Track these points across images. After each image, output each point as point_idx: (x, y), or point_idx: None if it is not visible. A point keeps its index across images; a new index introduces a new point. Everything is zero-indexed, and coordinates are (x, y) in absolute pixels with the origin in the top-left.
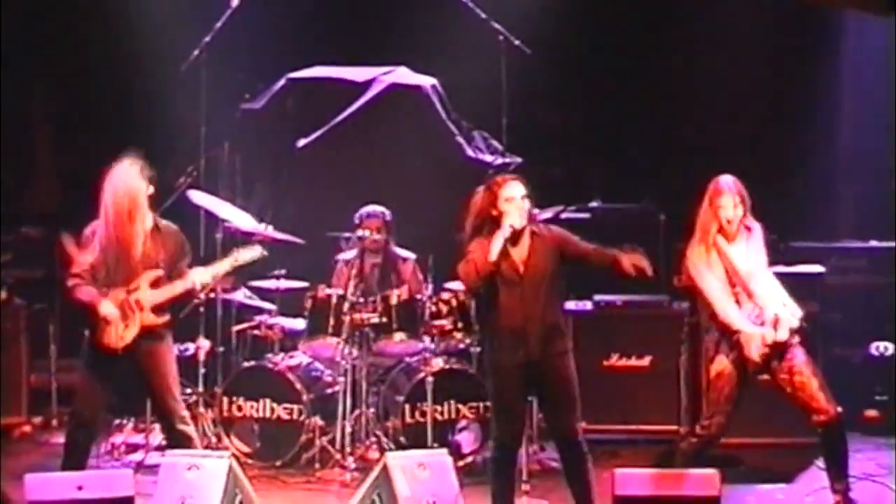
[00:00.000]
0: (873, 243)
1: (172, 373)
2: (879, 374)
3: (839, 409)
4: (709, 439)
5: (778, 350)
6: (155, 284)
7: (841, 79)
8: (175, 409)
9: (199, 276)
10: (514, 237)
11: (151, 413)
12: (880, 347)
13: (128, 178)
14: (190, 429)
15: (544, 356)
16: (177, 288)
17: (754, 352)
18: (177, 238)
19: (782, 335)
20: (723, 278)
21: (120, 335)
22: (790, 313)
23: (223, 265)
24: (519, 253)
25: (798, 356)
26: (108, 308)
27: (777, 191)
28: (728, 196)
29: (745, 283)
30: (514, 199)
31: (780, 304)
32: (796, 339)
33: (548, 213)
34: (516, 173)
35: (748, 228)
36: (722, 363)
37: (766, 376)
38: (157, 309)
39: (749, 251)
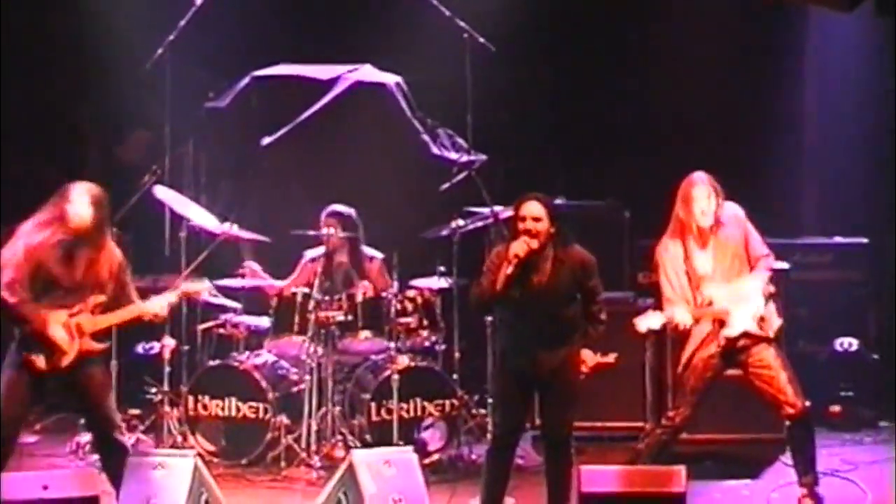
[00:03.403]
0: (837, 239)
1: (109, 391)
2: (844, 370)
3: (807, 404)
4: (674, 430)
5: (733, 346)
6: (98, 310)
7: (805, 75)
8: (112, 418)
9: (149, 308)
10: (533, 259)
11: (85, 424)
12: (845, 343)
13: (78, 208)
14: (125, 438)
15: (551, 372)
16: (121, 316)
17: (695, 345)
18: (121, 264)
19: (730, 332)
20: (683, 276)
21: (57, 359)
22: (750, 314)
23: (169, 297)
24: (538, 277)
25: (768, 351)
26: (58, 332)
27: (741, 187)
28: (701, 187)
29: (701, 285)
30: (526, 220)
31: (739, 306)
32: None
33: (508, 212)
34: (481, 170)
35: (719, 224)
36: (688, 356)
37: (735, 371)
38: (98, 335)
39: (717, 252)
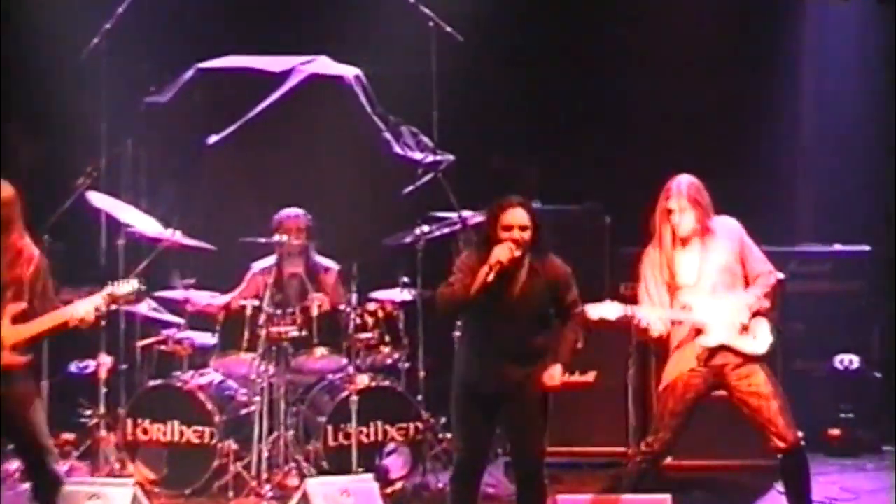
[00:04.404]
0: (837, 247)
1: (37, 412)
2: (844, 390)
3: (799, 435)
4: (654, 458)
5: (718, 367)
6: (18, 319)
7: (802, 68)
8: (44, 443)
9: (75, 312)
10: (508, 268)
11: (13, 449)
12: (845, 361)
13: None
14: (59, 466)
15: (517, 387)
16: (43, 324)
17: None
18: (39, 266)
19: (706, 341)
20: (662, 285)
21: None
22: (731, 326)
23: (95, 300)
24: (510, 287)
25: (757, 374)
26: None
27: (732, 191)
28: (674, 200)
29: (681, 294)
30: (513, 229)
31: (720, 317)
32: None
33: (477, 218)
34: (447, 172)
35: (707, 231)
36: (669, 375)
37: (721, 392)
38: (19, 347)
39: (704, 264)
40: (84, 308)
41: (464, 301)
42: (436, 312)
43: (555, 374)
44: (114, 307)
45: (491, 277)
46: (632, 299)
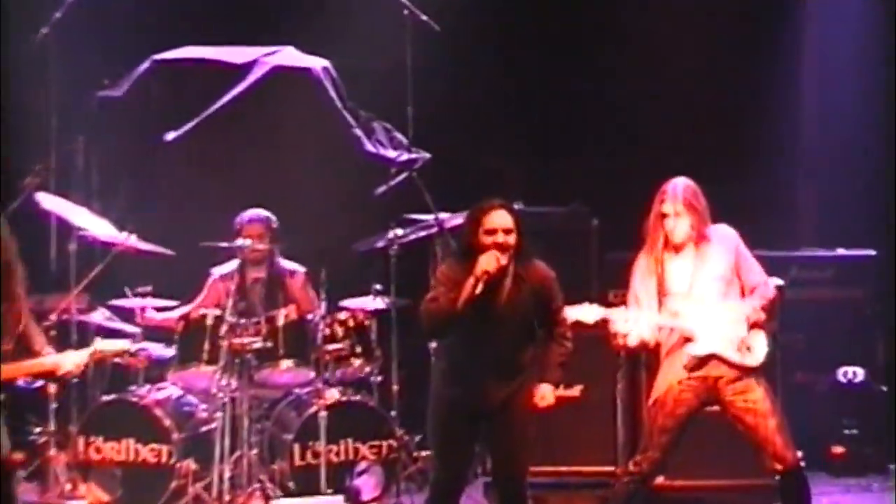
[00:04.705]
0: (840, 251)
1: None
2: (848, 404)
3: (798, 455)
4: (643, 478)
5: (711, 380)
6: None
7: (802, 68)
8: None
9: (63, 365)
10: (495, 277)
11: None
12: (849, 373)
13: None
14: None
15: (501, 403)
16: (30, 369)
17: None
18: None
19: (695, 350)
20: (652, 292)
21: None
22: (723, 336)
23: (83, 355)
24: (495, 297)
25: (754, 390)
26: None
27: (729, 192)
28: (669, 203)
29: (671, 301)
30: (496, 233)
31: (711, 325)
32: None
33: (455, 220)
34: (423, 171)
35: (702, 238)
36: (658, 388)
37: (714, 407)
38: None
39: (697, 272)
40: (73, 361)
41: (452, 317)
42: (421, 330)
43: (546, 394)
44: (64, 316)
45: (479, 290)
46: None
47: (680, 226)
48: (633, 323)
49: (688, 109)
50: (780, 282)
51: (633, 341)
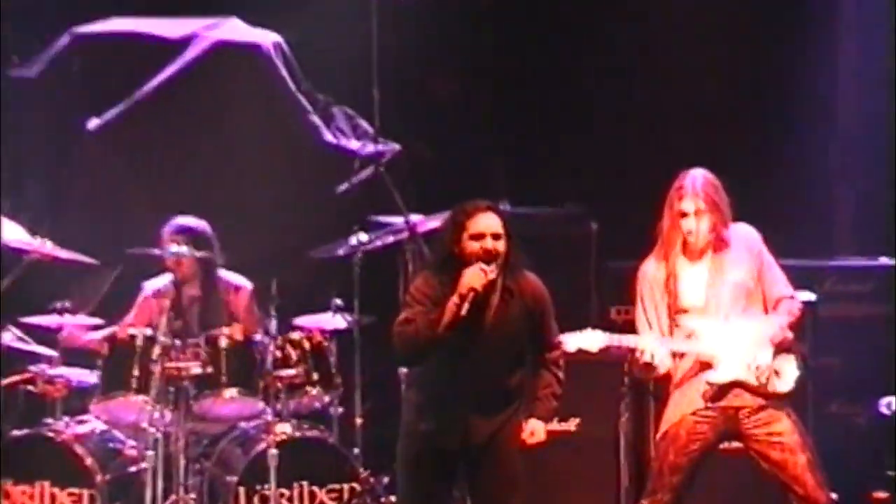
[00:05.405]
0: (883, 260)
1: None
2: (891, 441)
3: (832, 498)
4: None
5: (732, 410)
6: None
7: (838, 46)
8: None
9: None
10: (481, 295)
11: None
12: (892, 404)
13: None
14: None
15: (485, 440)
16: None
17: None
18: None
19: (715, 377)
20: (663, 307)
21: None
22: (747, 360)
23: None
24: (479, 316)
25: (782, 421)
26: None
27: (752, 193)
28: (689, 200)
29: (685, 319)
30: (484, 238)
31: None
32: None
33: (436, 222)
34: (392, 165)
35: (721, 242)
36: (669, 420)
37: (735, 444)
38: None
39: (715, 281)
40: None
41: (432, 342)
42: (391, 354)
43: (537, 430)
44: None
45: (465, 310)
46: (625, 327)
47: (702, 227)
48: (650, 350)
49: (703, 96)
50: (812, 296)
51: (662, 370)
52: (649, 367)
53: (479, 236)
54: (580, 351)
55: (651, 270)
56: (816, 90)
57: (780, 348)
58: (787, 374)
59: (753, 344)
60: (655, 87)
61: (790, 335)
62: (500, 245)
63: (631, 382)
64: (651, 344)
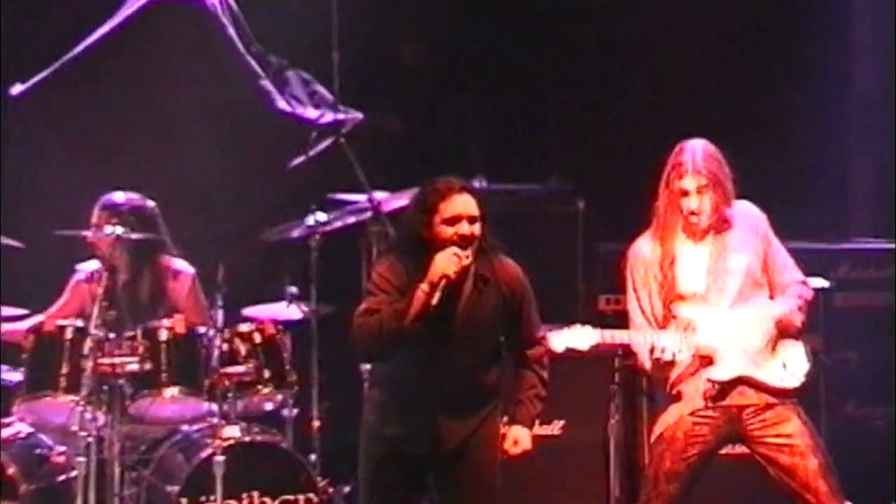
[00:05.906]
0: None
1: None
2: None
3: None
4: None
5: (735, 409)
6: None
7: (853, 14)
8: None
9: None
10: (455, 283)
11: None
12: None
13: None
14: None
15: (457, 446)
16: None
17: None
18: None
19: (717, 374)
20: (657, 294)
21: None
22: (752, 354)
23: None
24: (450, 306)
25: (790, 421)
26: None
27: (758, 168)
28: (690, 177)
29: (682, 308)
30: (460, 222)
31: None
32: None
33: (403, 200)
34: (354, 136)
35: (723, 222)
36: (665, 421)
37: (739, 447)
38: None
39: (716, 265)
40: None
41: (397, 335)
42: (352, 349)
43: (521, 439)
44: None
45: (436, 299)
46: (616, 317)
47: (705, 206)
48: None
49: (704, 63)
50: (825, 283)
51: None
52: (671, 365)
53: (453, 220)
54: (568, 350)
55: (644, 250)
56: (829, 61)
57: (787, 334)
58: (796, 367)
59: (759, 332)
60: (653, 51)
61: (800, 319)
62: (477, 229)
63: (620, 381)
64: (672, 341)
